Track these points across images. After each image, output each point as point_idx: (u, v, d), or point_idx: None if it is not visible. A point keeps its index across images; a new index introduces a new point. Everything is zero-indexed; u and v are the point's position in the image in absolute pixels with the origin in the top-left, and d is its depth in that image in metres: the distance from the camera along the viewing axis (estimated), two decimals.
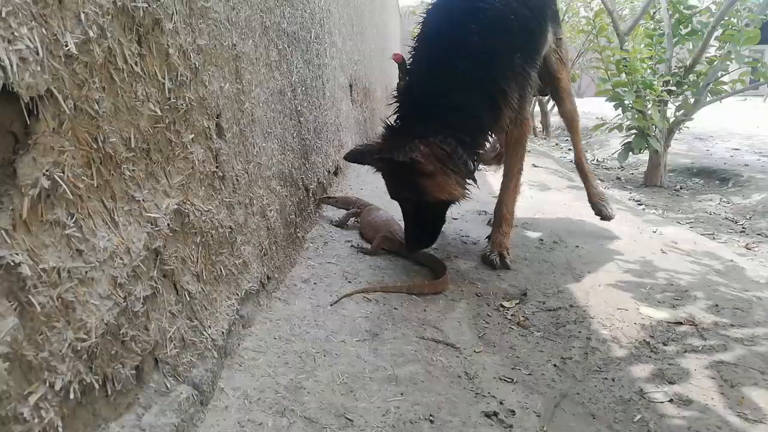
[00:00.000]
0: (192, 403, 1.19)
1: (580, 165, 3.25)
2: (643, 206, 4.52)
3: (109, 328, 0.99)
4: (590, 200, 3.20)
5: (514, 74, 2.26)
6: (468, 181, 2.28)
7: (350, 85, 4.66)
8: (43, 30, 0.86)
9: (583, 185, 3.32)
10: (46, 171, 0.87)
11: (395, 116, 2.30)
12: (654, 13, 5.75)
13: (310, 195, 2.68)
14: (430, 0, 2.50)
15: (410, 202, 2.31)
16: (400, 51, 7.19)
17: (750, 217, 4.36)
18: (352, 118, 4.64)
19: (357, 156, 2.37)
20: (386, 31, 10.08)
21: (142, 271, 1.11)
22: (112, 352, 1.01)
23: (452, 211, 3.36)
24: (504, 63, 2.23)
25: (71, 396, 0.88)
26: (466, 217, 3.33)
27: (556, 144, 8.07)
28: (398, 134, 2.22)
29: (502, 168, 2.75)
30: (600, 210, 3.14)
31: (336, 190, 3.49)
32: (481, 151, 2.36)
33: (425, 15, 2.42)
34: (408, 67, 2.36)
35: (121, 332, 1.03)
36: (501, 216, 2.64)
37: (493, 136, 2.59)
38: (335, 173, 3.54)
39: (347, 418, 1.34)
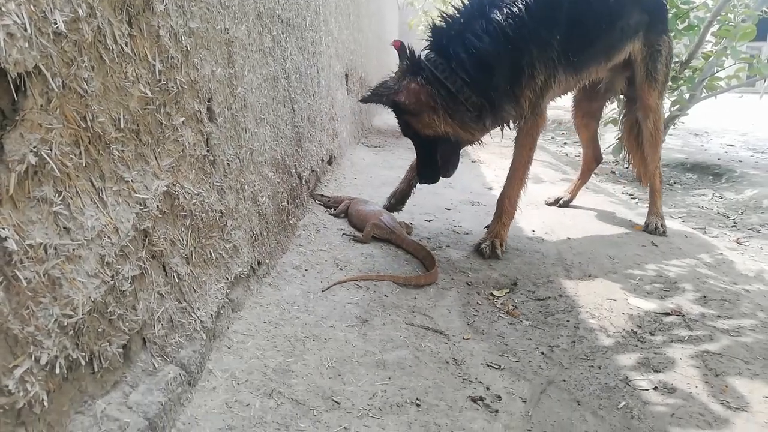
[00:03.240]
0: (179, 383, 1.20)
1: (653, 184, 3.25)
2: (636, 200, 4.53)
3: (96, 305, 0.99)
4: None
5: (545, 58, 2.26)
6: (475, 124, 2.28)
7: (346, 75, 4.65)
8: (32, 6, 0.86)
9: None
10: (34, 147, 0.87)
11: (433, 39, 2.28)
12: None
13: (303, 183, 2.68)
14: None
15: (413, 138, 2.40)
16: (397, 39, 7.15)
17: (742, 212, 4.39)
18: (347, 107, 4.64)
19: (369, 97, 2.33)
20: (384, 21, 10.05)
21: (131, 251, 1.12)
22: (99, 329, 1.01)
23: (444, 202, 3.38)
24: (540, 44, 2.22)
25: (57, 371, 0.89)
26: (459, 207, 3.34)
27: (552, 137, 8.08)
28: (407, 70, 2.24)
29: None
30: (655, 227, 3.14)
31: (330, 179, 3.49)
32: (505, 106, 2.31)
33: None
34: (444, 16, 2.30)
35: (109, 310, 1.04)
36: (502, 207, 2.64)
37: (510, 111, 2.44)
38: (329, 162, 3.54)
39: (334, 401, 1.36)
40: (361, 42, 5.82)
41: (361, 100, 2.39)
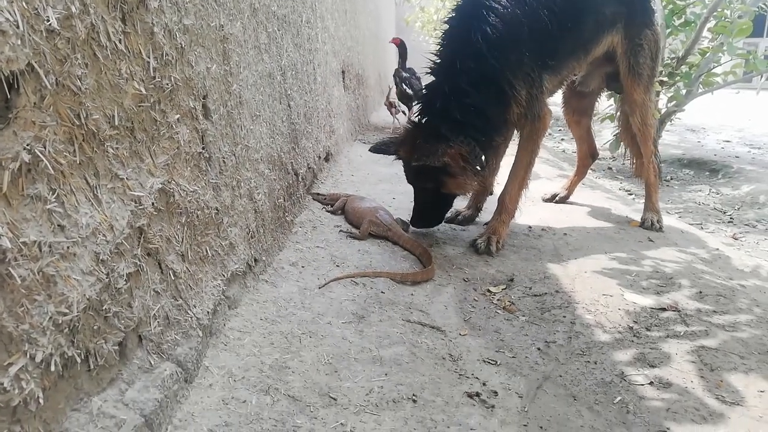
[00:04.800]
0: (176, 380, 1.20)
1: (648, 178, 3.27)
2: (633, 196, 4.54)
3: (91, 303, 0.99)
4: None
5: (522, 74, 2.39)
6: (481, 173, 2.55)
7: (342, 71, 4.64)
8: (24, 3, 0.86)
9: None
10: (27, 145, 0.87)
11: (419, 111, 2.54)
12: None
13: (300, 180, 2.68)
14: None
15: (428, 190, 2.56)
16: (397, 36, 7.13)
17: (738, 208, 4.40)
18: (344, 104, 4.63)
19: (383, 147, 2.59)
20: (380, 17, 10.03)
21: (126, 249, 1.12)
22: (95, 327, 1.01)
23: None
24: (511, 64, 2.35)
25: (52, 368, 0.89)
26: (455, 204, 3.34)
27: (549, 134, 8.10)
28: (422, 132, 2.46)
29: None
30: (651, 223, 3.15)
31: (327, 176, 3.49)
32: (494, 143, 2.58)
33: (449, 15, 2.54)
34: (433, 66, 2.50)
35: (104, 308, 1.04)
36: (502, 204, 2.66)
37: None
38: (326, 159, 3.54)
39: (331, 397, 1.36)
40: (357, 39, 5.81)
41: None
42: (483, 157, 2.47)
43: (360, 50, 5.99)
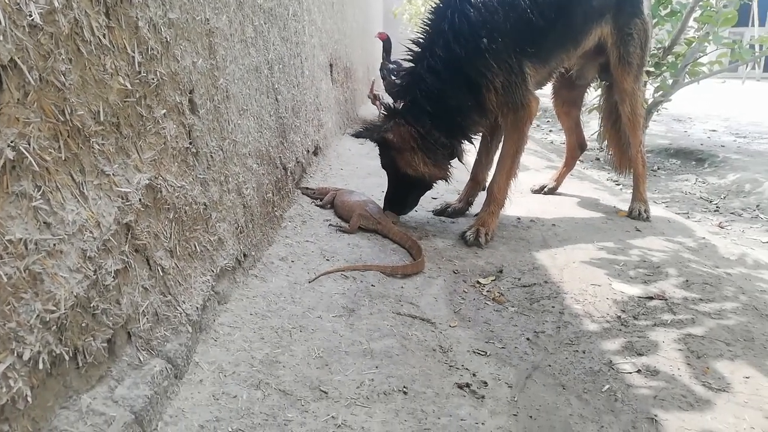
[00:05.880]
0: (166, 376, 1.20)
1: (636, 168, 3.29)
2: (620, 186, 4.58)
3: (79, 300, 0.99)
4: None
5: (496, 61, 2.40)
6: (448, 161, 2.66)
7: (330, 65, 4.62)
8: None
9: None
10: (11, 142, 0.86)
11: (397, 95, 2.72)
12: None
13: (289, 174, 2.68)
14: None
15: (390, 171, 2.71)
16: (383, 30, 7.12)
17: (724, 197, 4.45)
18: (332, 97, 4.61)
19: (365, 133, 2.65)
20: (368, 10, 9.98)
21: (113, 245, 1.11)
22: (83, 324, 1.01)
23: (431, 191, 3.38)
24: (482, 51, 2.37)
25: (40, 366, 0.89)
26: (446, 196, 3.35)
27: (537, 125, 8.12)
28: (389, 115, 2.60)
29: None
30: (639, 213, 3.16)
31: (316, 170, 3.48)
32: (470, 134, 2.67)
33: (432, 4, 2.60)
34: (410, 53, 2.59)
35: (92, 305, 1.03)
36: (491, 195, 2.67)
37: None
38: (315, 153, 3.53)
39: (322, 390, 1.37)
40: (345, 32, 5.79)
41: (354, 135, 2.71)
42: (449, 143, 2.58)
43: (348, 43, 5.97)
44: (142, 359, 1.18)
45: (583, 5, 2.69)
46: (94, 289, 1.04)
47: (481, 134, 2.80)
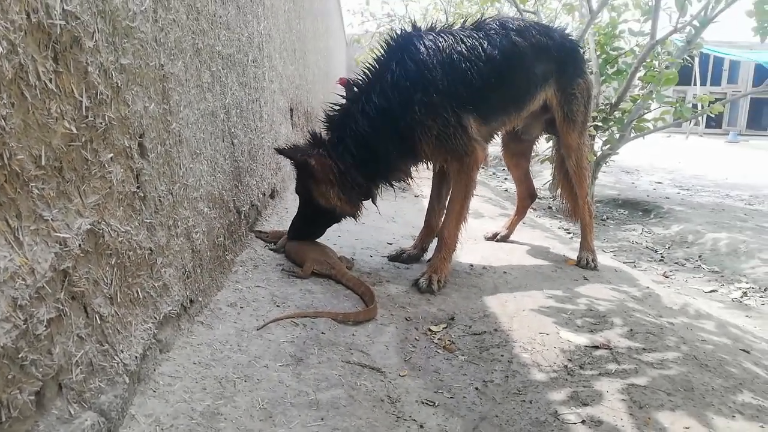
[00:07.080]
0: (97, 430, 1.15)
1: (583, 219, 3.39)
2: (571, 235, 4.71)
3: (6, 351, 0.95)
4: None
5: (431, 113, 2.51)
6: (360, 201, 2.71)
7: (291, 109, 4.67)
8: None
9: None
10: None
11: (325, 128, 2.70)
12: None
13: (242, 217, 2.65)
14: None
15: (303, 197, 2.71)
16: (345, 76, 7.27)
17: (669, 247, 4.63)
18: (292, 141, 4.64)
19: (284, 150, 2.70)
20: (332, 57, 10.19)
21: (47, 293, 1.07)
22: (9, 376, 0.96)
23: (387, 236, 3.40)
24: (416, 102, 2.48)
25: None
26: (401, 242, 3.37)
27: (493, 173, 8.34)
28: (315, 143, 2.62)
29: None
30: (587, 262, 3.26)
31: (272, 213, 3.47)
32: (391, 180, 2.75)
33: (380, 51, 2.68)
34: (349, 93, 2.67)
35: (20, 356, 0.99)
36: (442, 240, 2.71)
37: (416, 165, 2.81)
38: (271, 196, 3.52)
39: None
40: (307, 77, 5.88)
41: (277, 151, 2.75)
42: (366, 185, 2.63)
43: (309, 88, 6.05)
44: (72, 412, 1.12)
45: (527, 72, 2.84)
46: (23, 339, 1.00)
47: (404, 181, 2.83)
